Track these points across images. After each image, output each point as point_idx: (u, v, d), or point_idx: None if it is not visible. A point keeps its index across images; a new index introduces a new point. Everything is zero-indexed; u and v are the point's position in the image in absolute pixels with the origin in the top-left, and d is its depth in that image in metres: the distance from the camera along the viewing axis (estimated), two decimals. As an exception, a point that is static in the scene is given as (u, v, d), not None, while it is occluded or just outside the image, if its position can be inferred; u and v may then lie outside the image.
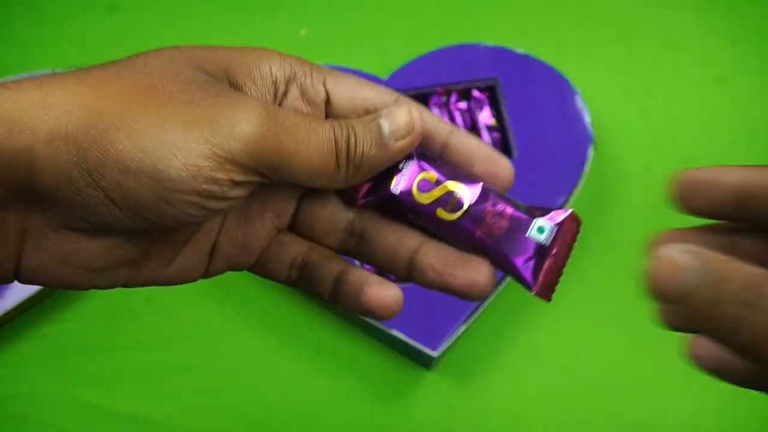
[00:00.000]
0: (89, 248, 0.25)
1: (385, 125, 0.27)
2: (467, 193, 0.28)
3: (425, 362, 0.47)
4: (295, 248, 0.30)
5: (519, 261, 0.27)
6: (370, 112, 0.29)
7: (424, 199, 0.28)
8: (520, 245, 0.27)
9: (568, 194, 0.49)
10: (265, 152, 0.25)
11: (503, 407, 0.47)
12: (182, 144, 0.24)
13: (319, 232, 0.30)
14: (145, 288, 0.54)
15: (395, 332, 0.45)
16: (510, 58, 0.55)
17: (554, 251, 0.27)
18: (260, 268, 0.30)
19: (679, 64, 0.60)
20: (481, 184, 0.28)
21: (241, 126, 0.24)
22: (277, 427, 0.46)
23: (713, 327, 0.20)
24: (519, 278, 0.27)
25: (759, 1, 0.62)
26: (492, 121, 0.53)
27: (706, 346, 0.27)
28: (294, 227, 0.30)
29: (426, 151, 0.28)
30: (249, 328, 0.49)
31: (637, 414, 0.46)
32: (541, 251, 0.27)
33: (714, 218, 0.26)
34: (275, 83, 0.28)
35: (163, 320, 0.49)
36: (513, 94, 0.53)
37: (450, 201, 0.27)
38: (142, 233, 0.26)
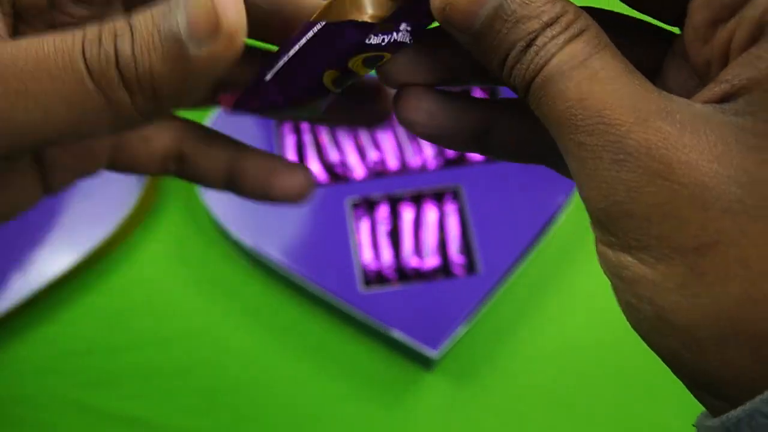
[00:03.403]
0: None
1: (179, 19, 0.16)
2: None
3: (425, 363, 0.47)
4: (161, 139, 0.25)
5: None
6: None
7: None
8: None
9: (568, 193, 0.48)
10: None
11: (504, 408, 0.46)
12: None
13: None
14: (143, 288, 0.54)
15: (395, 332, 0.45)
16: (510, 57, 0.55)
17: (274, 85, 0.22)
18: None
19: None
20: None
21: None
22: (276, 428, 0.46)
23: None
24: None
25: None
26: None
27: (423, 106, 0.21)
28: None
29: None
30: (249, 328, 0.49)
31: (638, 414, 0.46)
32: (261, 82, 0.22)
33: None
34: None
35: (162, 320, 0.49)
36: (513, 94, 0.53)
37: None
38: None
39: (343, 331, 0.49)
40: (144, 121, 0.18)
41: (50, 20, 0.21)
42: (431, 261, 0.49)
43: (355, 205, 0.50)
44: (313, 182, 0.26)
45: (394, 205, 0.51)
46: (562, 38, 0.17)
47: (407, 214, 0.50)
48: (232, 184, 0.25)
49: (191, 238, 0.52)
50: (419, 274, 0.48)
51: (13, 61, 0.16)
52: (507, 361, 0.48)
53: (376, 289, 0.47)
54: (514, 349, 0.48)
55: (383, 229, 0.50)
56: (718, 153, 0.15)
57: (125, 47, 0.16)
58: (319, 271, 0.47)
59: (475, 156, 0.52)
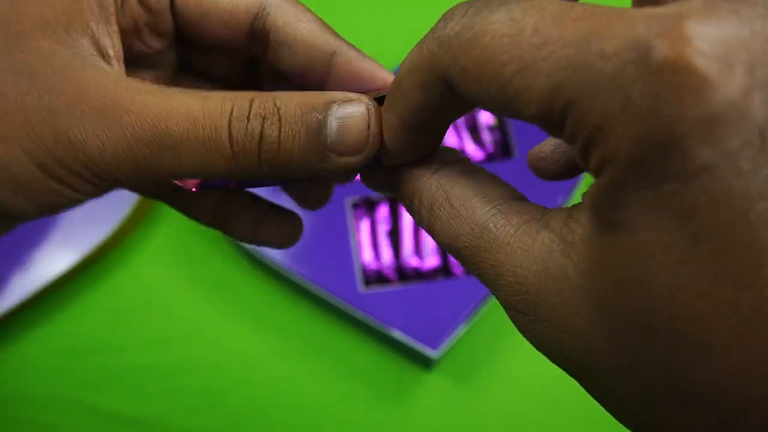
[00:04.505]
0: None
1: (332, 127, 0.19)
2: None
3: (425, 363, 0.47)
4: None
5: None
6: (229, 15, 0.22)
7: None
8: None
9: (568, 193, 0.48)
10: (114, 149, 0.18)
11: (503, 408, 0.46)
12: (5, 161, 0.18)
13: None
14: (143, 288, 0.54)
15: (395, 332, 0.45)
16: (510, 57, 0.55)
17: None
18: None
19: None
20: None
21: (70, 127, 0.18)
22: (276, 428, 0.46)
23: None
24: None
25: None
26: (493, 121, 0.53)
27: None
28: None
29: None
30: (249, 328, 0.49)
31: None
32: None
33: None
34: None
35: (161, 321, 0.49)
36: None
37: None
38: None
39: (343, 331, 0.49)
40: (259, 178, 0.20)
41: (129, 45, 0.23)
42: (431, 261, 0.49)
43: (355, 205, 0.50)
44: (301, 228, 0.26)
45: (394, 205, 0.51)
46: None
47: (407, 214, 0.50)
48: (220, 223, 0.26)
49: (191, 238, 0.52)
50: (419, 274, 0.48)
51: (166, 115, 0.18)
52: (507, 361, 0.48)
53: (376, 289, 0.47)
54: (514, 349, 0.48)
55: (383, 229, 0.50)
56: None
57: (272, 132, 0.18)
58: (319, 271, 0.47)
59: (475, 155, 0.51)
